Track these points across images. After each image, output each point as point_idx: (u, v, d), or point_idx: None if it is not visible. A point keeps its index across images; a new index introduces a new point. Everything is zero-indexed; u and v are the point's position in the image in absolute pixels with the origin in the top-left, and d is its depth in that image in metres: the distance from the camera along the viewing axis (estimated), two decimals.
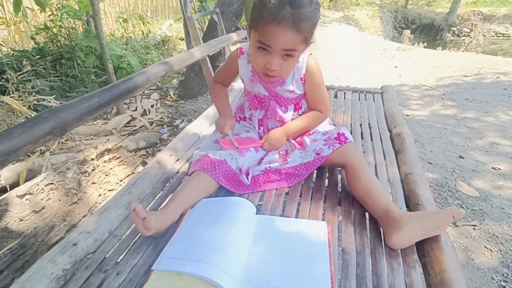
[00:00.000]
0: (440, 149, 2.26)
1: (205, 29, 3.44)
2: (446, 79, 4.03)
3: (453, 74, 4.28)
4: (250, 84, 1.04)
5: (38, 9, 3.64)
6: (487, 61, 4.87)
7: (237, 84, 1.94)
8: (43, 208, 1.34)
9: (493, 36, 10.10)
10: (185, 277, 0.68)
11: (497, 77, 3.94)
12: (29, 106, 2.38)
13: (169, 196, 0.97)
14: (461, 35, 10.15)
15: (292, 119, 1.05)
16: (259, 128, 1.08)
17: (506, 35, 10.31)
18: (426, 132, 2.54)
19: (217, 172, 0.91)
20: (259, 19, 0.83)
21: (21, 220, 1.28)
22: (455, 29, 10.75)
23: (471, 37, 8.40)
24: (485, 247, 1.41)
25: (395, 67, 4.81)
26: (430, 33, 10.87)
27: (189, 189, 0.87)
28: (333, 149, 0.95)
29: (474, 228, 1.51)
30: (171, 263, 0.68)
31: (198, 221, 0.79)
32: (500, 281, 1.26)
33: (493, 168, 2.01)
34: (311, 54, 1.00)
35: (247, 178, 0.94)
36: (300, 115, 1.06)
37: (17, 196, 1.31)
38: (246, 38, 2.78)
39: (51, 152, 1.95)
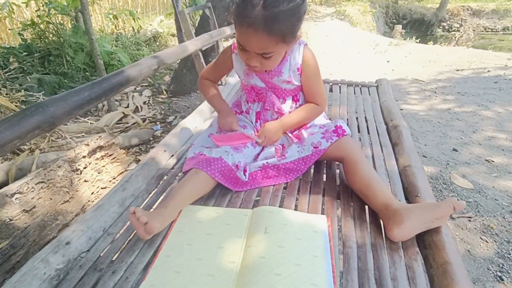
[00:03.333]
0: (434, 142, 2.28)
1: (196, 24, 3.39)
2: (439, 74, 4.06)
3: (445, 68, 4.32)
4: (246, 77, 1.02)
5: (23, 4, 3.54)
6: (477, 55, 4.92)
7: (232, 79, 1.91)
8: (34, 207, 1.30)
9: (482, 31, 10.22)
10: (183, 275, 0.67)
11: (488, 71, 3.98)
12: (17, 103, 2.32)
13: (164, 193, 0.95)
14: (451, 30, 10.27)
15: (290, 111, 1.03)
16: (256, 121, 1.06)
17: (495, 30, 10.45)
18: (420, 126, 2.55)
19: (213, 169, 0.88)
20: (235, 18, 0.81)
21: (11, 220, 1.24)
22: (445, 24, 10.86)
23: (461, 32, 8.49)
24: (481, 239, 1.42)
25: (388, 62, 4.83)
26: (421, 28, 10.95)
27: (186, 187, 0.85)
28: (331, 142, 0.93)
29: (469, 220, 1.52)
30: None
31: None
32: (496, 272, 1.26)
33: (486, 160, 2.03)
34: (306, 44, 0.98)
35: (245, 175, 0.92)
36: (298, 107, 1.04)
37: (7, 196, 1.27)
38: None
39: (41, 150, 1.90)
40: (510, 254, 1.33)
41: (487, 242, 1.40)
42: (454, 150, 2.16)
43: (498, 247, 1.37)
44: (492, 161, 2.02)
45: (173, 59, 1.27)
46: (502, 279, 1.23)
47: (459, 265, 0.67)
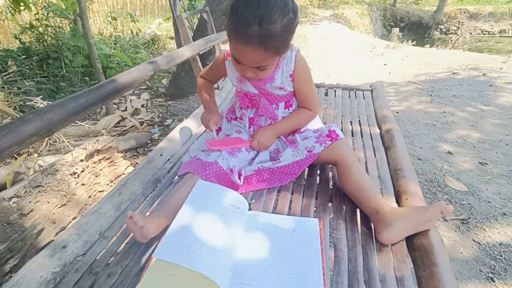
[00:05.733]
0: (429, 145, 2.30)
1: (194, 28, 3.42)
2: (435, 76, 4.09)
3: (441, 71, 4.35)
4: (239, 84, 1.04)
5: (23, 8, 3.55)
6: (473, 58, 4.96)
7: (228, 84, 1.93)
8: (31, 211, 1.31)
9: (479, 34, 10.30)
10: (178, 277, 0.68)
11: (483, 74, 4.02)
12: (15, 107, 2.33)
13: (160, 197, 0.97)
14: (448, 33, 10.34)
15: (284, 117, 1.05)
16: (249, 127, 1.08)
17: (492, 33, 10.53)
18: (415, 129, 2.58)
19: (208, 173, 0.90)
20: (229, 33, 0.82)
21: (8, 224, 1.25)
22: (442, 27, 10.93)
23: (458, 35, 8.55)
24: (473, 241, 1.44)
25: (385, 64, 4.86)
26: (418, 31, 11.03)
27: (181, 192, 0.86)
28: (324, 146, 0.95)
29: (462, 222, 1.54)
30: (169, 253, 0.64)
31: (194, 209, 0.77)
32: (488, 273, 1.28)
33: (480, 163, 2.05)
34: (298, 50, 1.00)
35: (240, 179, 0.94)
36: (291, 112, 1.06)
37: (4, 199, 1.28)
38: None
39: (38, 153, 1.92)
40: (501, 256, 1.35)
41: (479, 244, 1.42)
42: (449, 153, 2.18)
43: (490, 249, 1.39)
44: (486, 163, 2.04)
45: (169, 65, 1.29)
46: (493, 281, 1.25)
47: (447, 267, 0.69)
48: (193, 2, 4.16)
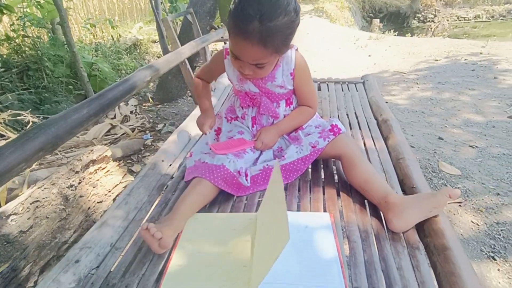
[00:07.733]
0: (420, 132, 2.35)
1: (178, 31, 3.38)
2: (419, 64, 4.18)
3: (424, 59, 4.45)
4: (239, 83, 1.03)
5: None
6: (454, 44, 5.09)
7: (221, 84, 1.92)
8: (31, 227, 1.28)
9: (455, 20, 10.55)
10: (196, 283, 0.68)
11: (465, 59, 4.13)
12: (4, 122, 2.25)
13: (168, 203, 0.95)
14: (426, 21, 10.55)
15: (285, 114, 1.06)
16: (252, 126, 1.07)
17: (467, 19, 10.80)
18: (405, 117, 2.63)
19: (216, 177, 0.90)
20: (230, 28, 0.82)
21: (8, 243, 1.21)
22: (420, 15, 11.14)
23: (435, 23, 8.74)
24: (472, 222, 1.49)
25: (369, 56, 4.93)
26: (397, 20, 11.20)
27: (191, 197, 0.86)
28: (328, 140, 0.96)
29: (460, 205, 1.59)
30: None
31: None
32: (489, 253, 1.33)
33: (470, 146, 2.11)
34: (297, 49, 1.00)
35: (247, 180, 0.94)
36: (291, 110, 1.07)
37: (2, 218, 1.24)
38: (223, 37, 2.77)
39: (31, 169, 1.86)
40: (500, 235, 1.40)
41: (478, 225, 1.47)
42: (440, 138, 2.23)
43: (488, 229, 1.44)
44: (476, 146, 2.10)
45: (168, 67, 1.27)
46: (494, 259, 1.29)
47: (459, 249, 0.71)
48: (174, 4, 4.10)
